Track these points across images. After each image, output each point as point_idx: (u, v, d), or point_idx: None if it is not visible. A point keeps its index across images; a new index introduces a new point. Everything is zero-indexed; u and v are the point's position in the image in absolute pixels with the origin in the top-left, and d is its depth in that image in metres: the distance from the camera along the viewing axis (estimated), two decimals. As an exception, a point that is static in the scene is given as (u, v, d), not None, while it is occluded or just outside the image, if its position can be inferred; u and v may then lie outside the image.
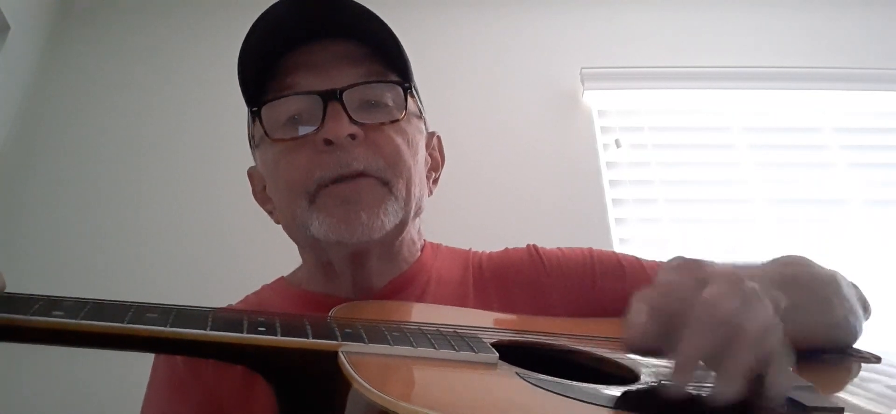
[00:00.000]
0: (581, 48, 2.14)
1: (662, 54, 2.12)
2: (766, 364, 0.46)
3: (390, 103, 0.75)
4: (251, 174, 0.84)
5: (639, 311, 0.49)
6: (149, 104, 2.00)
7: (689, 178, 1.99)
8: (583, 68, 2.04)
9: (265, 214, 0.84)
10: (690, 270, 0.50)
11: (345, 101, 0.70)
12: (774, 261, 0.71)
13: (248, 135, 0.81)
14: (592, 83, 2.04)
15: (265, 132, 0.73)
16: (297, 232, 0.75)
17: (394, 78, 0.76)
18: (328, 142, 0.69)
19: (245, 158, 0.85)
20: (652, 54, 2.12)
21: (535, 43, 2.17)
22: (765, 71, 2.05)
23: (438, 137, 0.87)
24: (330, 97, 0.70)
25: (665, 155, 2.01)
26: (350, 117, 0.69)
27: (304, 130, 0.71)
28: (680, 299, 0.48)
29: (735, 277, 0.49)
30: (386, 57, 0.75)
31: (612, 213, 1.91)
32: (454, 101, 1.94)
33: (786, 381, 0.47)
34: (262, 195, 0.82)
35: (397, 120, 0.74)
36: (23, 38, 1.94)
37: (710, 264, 0.51)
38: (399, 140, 0.73)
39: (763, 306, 0.48)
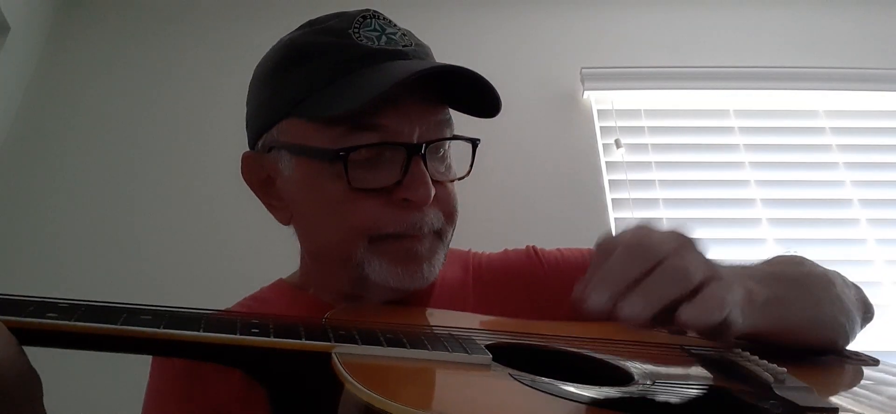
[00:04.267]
0: (581, 48, 2.14)
1: (662, 54, 2.11)
2: (684, 300, 0.48)
3: (447, 147, 0.74)
4: (248, 159, 0.78)
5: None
6: (148, 104, 2.00)
7: (689, 178, 1.99)
8: (583, 68, 2.04)
9: (261, 212, 0.80)
10: (644, 226, 0.54)
11: (426, 158, 0.68)
12: (767, 260, 0.71)
13: (265, 123, 0.75)
14: (592, 83, 2.04)
15: (347, 180, 0.66)
16: (340, 263, 0.71)
17: (454, 130, 0.75)
18: (407, 200, 0.67)
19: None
20: (652, 54, 2.12)
21: (535, 43, 2.17)
22: (765, 71, 2.05)
23: None
24: (414, 151, 0.67)
25: (665, 155, 2.01)
26: (431, 178, 0.67)
27: (381, 181, 0.67)
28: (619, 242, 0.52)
29: (683, 234, 0.53)
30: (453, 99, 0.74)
31: (612, 213, 1.91)
32: (454, 101, 1.93)
33: (697, 318, 0.48)
34: (262, 186, 0.78)
35: (462, 178, 0.75)
36: (23, 38, 1.94)
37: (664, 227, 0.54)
38: (455, 193, 0.73)
39: (696, 256, 0.51)
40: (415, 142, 0.68)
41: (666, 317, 0.48)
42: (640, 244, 0.50)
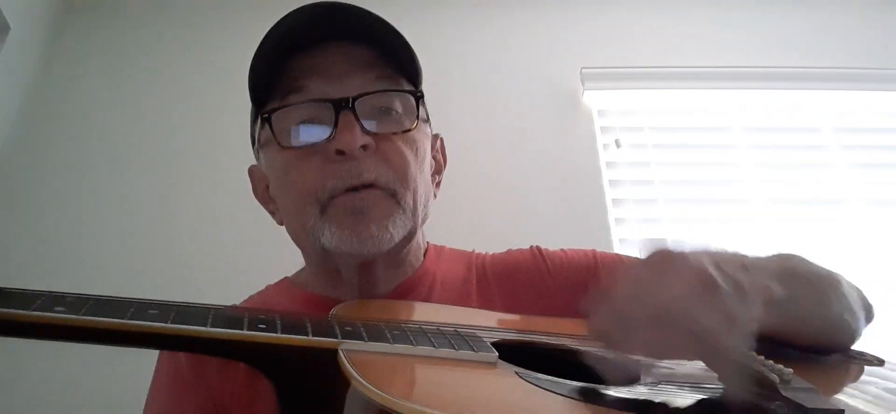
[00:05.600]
0: (581, 48, 2.14)
1: (662, 54, 2.12)
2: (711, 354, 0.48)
3: (399, 110, 0.74)
4: (252, 173, 0.83)
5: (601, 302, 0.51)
6: (149, 104, 2.00)
7: (689, 178, 2.00)
8: (583, 68, 2.04)
9: (266, 213, 0.83)
10: (658, 265, 0.52)
11: (356, 110, 0.69)
12: (774, 255, 0.71)
13: (251, 134, 0.81)
14: (592, 83, 2.04)
15: (276, 140, 0.72)
16: (306, 240, 0.74)
17: (406, 86, 0.75)
18: (340, 152, 0.68)
19: (247, 158, 0.84)
20: (652, 54, 2.12)
21: (535, 43, 2.17)
22: (765, 71, 2.05)
23: (441, 140, 0.87)
24: (342, 106, 0.69)
25: (665, 155, 2.02)
26: (362, 127, 0.69)
27: (314, 138, 0.70)
28: (637, 291, 0.50)
29: (703, 272, 0.50)
30: (395, 61, 0.75)
31: (612, 213, 1.91)
32: (454, 102, 1.93)
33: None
34: (263, 195, 0.82)
35: (408, 130, 0.74)
36: (23, 38, 1.94)
37: (683, 258, 0.51)
38: (407, 151, 0.73)
39: (724, 303, 0.49)
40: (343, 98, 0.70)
41: None
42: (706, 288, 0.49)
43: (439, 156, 0.86)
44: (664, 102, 2.08)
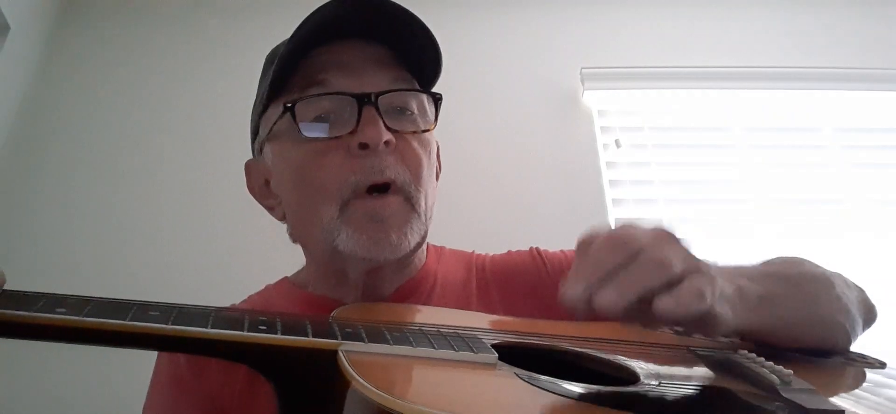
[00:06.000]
0: (581, 48, 2.14)
1: (662, 54, 2.12)
2: (661, 292, 0.48)
3: (414, 111, 0.74)
4: (250, 167, 0.82)
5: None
6: (149, 103, 2.00)
7: (689, 178, 2.00)
8: (583, 68, 2.04)
9: (264, 211, 0.82)
10: (626, 223, 0.53)
11: (378, 106, 0.69)
12: (766, 260, 0.71)
13: (254, 127, 0.80)
14: (592, 83, 2.04)
15: (298, 130, 0.70)
16: (315, 237, 0.72)
17: (419, 86, 0.76)
18: (363, 146, 0.68)
19: (246, 156, 0.84)
20: (652, 54, 2.12)
21: (535, 43, 2.17)
22: (765, 71, 2.05)
23: (439, 146, 0.87)
24: (365, 101, 0.69)
25: (665, 155, 2.02)
26: (385, 124, 0.69)
27: (336, 131, 0.70)
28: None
29: (666, 228, 0.52)
30: (413, 61, 0.75)
31: (612, 213, 1.91)
32: (454, 102, 1.92)
33: (673, 309, 0.47)
34: (261, 190, 0.81)
35: (426, 131, 0.74)
36: (23, 38, 1.94)
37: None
38: (422, 151, 0.73)
39: (677, 249, 0.50)
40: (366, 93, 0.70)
41: (645, 310, 0.47)
42: (619, 237, 0.50)
43: (437, 162, 0.86)
44: (664, 102, 2.08)
